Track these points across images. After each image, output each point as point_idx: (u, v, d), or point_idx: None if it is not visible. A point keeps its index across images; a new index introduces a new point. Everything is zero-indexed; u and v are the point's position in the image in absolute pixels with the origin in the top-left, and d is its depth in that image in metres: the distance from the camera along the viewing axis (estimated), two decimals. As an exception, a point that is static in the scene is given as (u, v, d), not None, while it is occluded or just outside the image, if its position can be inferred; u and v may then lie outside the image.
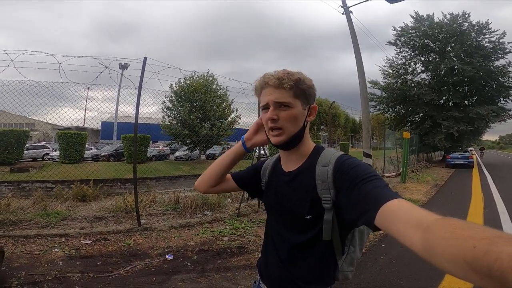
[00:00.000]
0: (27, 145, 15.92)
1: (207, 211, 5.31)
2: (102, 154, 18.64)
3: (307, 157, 0.89)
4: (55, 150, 18.28)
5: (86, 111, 14.13)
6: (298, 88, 0.83)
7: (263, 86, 0.86)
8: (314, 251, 0.86)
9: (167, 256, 3.25)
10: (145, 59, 4.33)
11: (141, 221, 4.31)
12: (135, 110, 4.39)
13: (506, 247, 0.34)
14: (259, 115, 0.95)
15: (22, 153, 15.03)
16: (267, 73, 0.86)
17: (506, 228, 4.47)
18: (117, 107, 17.99)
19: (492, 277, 0.34)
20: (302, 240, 0.85)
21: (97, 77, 4.22)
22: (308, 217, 0.82)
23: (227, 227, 4.39)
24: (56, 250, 3.32)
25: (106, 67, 4.17)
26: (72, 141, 15.42)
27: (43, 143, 21.88)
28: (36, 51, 4.28)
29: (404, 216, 0.54)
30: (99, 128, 31.11)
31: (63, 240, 3.66)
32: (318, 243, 0.84)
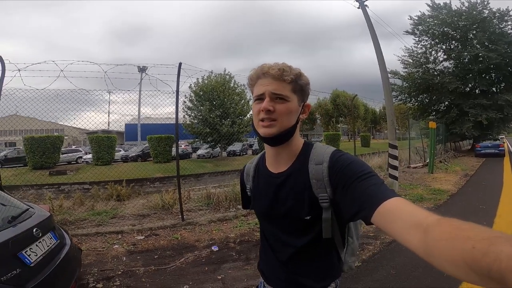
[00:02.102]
0: (61, 149, 17.07)
1: (239, 206, 5.64)
2: (130, 155, 19.62)
3: (297, 155, 0.85)
4: (87, 153, 19.48)
5: (108, 115, 14.85)
6: (297, 83, 0.80)
7: (259, 76, 0.81)
8: (317, 250, 0.85)
9: (213, 248, 3.61)
10: (180, 64, 4.69)
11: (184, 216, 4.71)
12: (174, 112, 4.76)
13: (505, 247, 0.34)
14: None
15: (59, 157, 16.13)
16: (265, 64, 0.81)
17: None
18: (139, 109, 18.87)
19: (491, 277, 0.34)
20: (304, 242, 0.83)
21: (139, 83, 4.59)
22: (307, 218, 0.80)
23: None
24: (116, 246, 3.76)
25: (146, 73, 4.55)
26: (103, 144, 16.36)
27: (73, 147, 23.31)
28: (83, 61, 4.74)
29: (403, 216, 0.54)
30: (123, 130, 32.47)
31: (120, 236, 4.12)
32: (320, 242, 0.82)
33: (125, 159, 19.34)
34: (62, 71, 4.37)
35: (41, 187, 11.76)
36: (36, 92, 4.99)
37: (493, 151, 16.03)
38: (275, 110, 0.78)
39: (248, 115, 19.49)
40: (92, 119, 16.57)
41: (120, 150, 20.92)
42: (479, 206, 5.35)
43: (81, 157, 19.48)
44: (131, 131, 31.96)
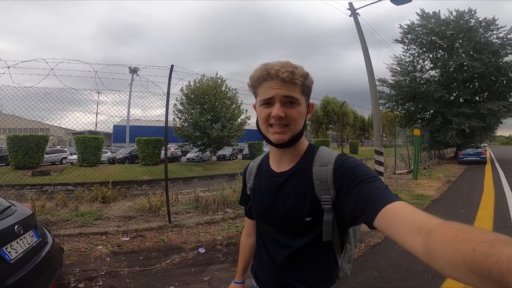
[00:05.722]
0: (46, 149, 16.59)
1: (228, 209, 5.63)
2: (117, 157, 19.25)
3: (301, 156, 0.84)
4: (72, 154, 18.99)
5: (96, 115, 14.59)
6: (305, 85, 0.78)
7: (265, 78, 0.76)
8: (315, 253, 0.83)
9: (199, 250, 3.59)
10: (172, 66, 4.69)
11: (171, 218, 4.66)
12: (164, 114, 4.74)
13: (505, 249, 0.34)
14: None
15: (43, 157, 15.66)
16: (269, 64, 0.77)
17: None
18: (128, 111, 18.61)
19: (492, 279, 0.34)
20: (302, 244, 0.82)
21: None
22: (308, 219, 0.79)
23: (249, 223, 4.70)
24: (100, 247, 3.69)
25: (138, 74, 4.52)
26: (90, 144, 16.01)
27: (58, 147, 22.70)
28: (74, 60, 4.66)
29: (406, 219, 0.54)
30: (111, 131, 31.92)
31: (104, 237, 4.04)
32: (318, 245, 0.81)
33: (112, 161, 18.96)
34: (52, 69, 4.30)
35: (23, 187, 11.38)
36: (22, 90, 4.87)
37: (475, 158, 16.56)
38: (286, 116, 0.75)
39: (239, 120, 19.50)
40: (79, 120, 16.25)
41: (107, 152, 20.50)
42: (460, 211, 5.53)
43: (66, 157, 18.98)
44: (119, 133, 31.46)
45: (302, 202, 0.79)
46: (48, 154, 17.46)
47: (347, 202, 0.70)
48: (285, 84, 0.74)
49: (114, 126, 29.14)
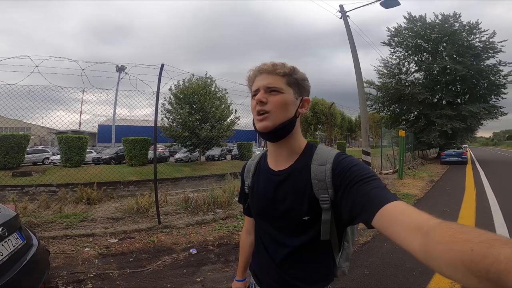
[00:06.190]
0: (27, 149, 15.98)
1: (218, 209, 5.59)
2: (103, 158, 18.76)
3: (299, 154, 0.84)
4: (55, 154, 18.36)
5: (80, 114, 14.18)
6: (292, 77, 0.81)
7: (256, 74, 0.83)
8: (313, 252, 0.84)
9: (191, 251, 3.55)
10: (162, 65, 4.61)
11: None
12: (151, 114, 4.66)
13: (503, 249, 0.34)
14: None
15: (24, 157, 15.09)
16: (262, 63, 0.84)
17: (496, 218, 4.85)
18: (114, 110, 18.19)
19: (489, 279, 0.34)
20: (300, 243, 0.82)
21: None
22: (306, 218, 0.79)
23: (240, 222, 4.68)
24: (87, 249, 3.58)
25: (126, 73, 4.43)
26: (74, 144, 15.53)
27: (40, 147, 21.90)
28: (60, 57, 4.51)
29: (404, 219, 0.54)
30: (95, 131, 31.10)
31: (91, 239, 3.92)
32: (316, 244, 0.82)
33: (97, 162, 18.45)
34: (37, 66, 4.13)
35: (3, 188, 10.93)
36: (4, 87, 4.66)
37: (457, 159, 17.14)
38: (268, 102, 0.78)
39: (228, 120, 19.42)
40: (62, 119, 15.65)
41: (92, 152, 19.94)
42: (444, 209, 5.71)
43: (48, 158, 18.32)
44: (104, 132, 30.70)
45: (300, 201, 0.79)
46: (29, 154, 16.84)
47: (346, 201, 0.70)
48: (269, 75, 0.80)
49: (99, 126, 28.43)
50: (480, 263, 0.35)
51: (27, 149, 16.02)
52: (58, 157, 16.62)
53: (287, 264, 0.86)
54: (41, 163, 17.78)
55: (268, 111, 0.78)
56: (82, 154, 16.15)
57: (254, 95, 0.82)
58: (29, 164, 16.65)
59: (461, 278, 0.38)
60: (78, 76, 4.68)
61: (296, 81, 0.82)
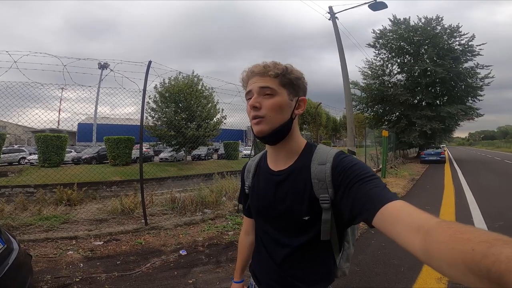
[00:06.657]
0: (3, 148, 15.18)
1: (206, 209, 5.53)
2: (83, 157, 18.10)
3: (299, 154, 0.84)
4: (31, 154, 17.53)
5: (58, 112, 13.62)
6: (285, 77, 0.80)
7: (249, 76, 0.82)
8: (314, 252, 0.83)
9: (181, 252, 3.48)
10: (150, 62, 4.49)
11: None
12: (135, 112, 4.54)
13: (504, 249, 0.34)
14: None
15: (-1, 157, 14.34)
16: (254, 64, 0.83)
17: (475, 214, 5.09)
18: (96, 108, 17.57)
19: (490, 279, 0.34)
20: (300, 243, 0.82)
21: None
22: (306, 218, 0.79)
23: (229, 222, 4.65)
24: (71, 252, 3.43)
25: (111, 69, 4.28)
26: (52, 144, 14.90)
27: (16, 146, 20.85)
28: (41, 53, 4.28)
29: (405, 219, 0.54)
30: (75, 129, 29.97)
31: (74, 242, 3.76)
32: (317, 244, 0.81)
33: (77, 161, 17.78)
34: (15, 62, 3.90)
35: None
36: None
37: (436, 158, 17.85)
38: (262, 107, 0.78)
39: (215, 119, 19.23)
40: (40, 117, 14.94)
41: (71, 151, 19.18)
42: (425, 207, 5.92)
43: (24, 157, 17.48)
44: (84, 131, 29.57)
45: (301, 201, 0.79)
46: (4, 154, 15.99)
47: (346, 200, 0.70)
48: (261, 77, 0.79)
49: (79, 124, 27.35)
50: (481, 262, 0.35)
51: (2, 149, 15.21)
52: (35, 156, 15.88)
53: (287, 265, 0.85)
54: (17, 163, 16.94)
55: (263, 116, 0.78)
56: (61, 154, 15.53)
57: (248, 98, 0.81)
58: (5, 164, 15.81)
59: (462, 278, 0.38)
60: (59, 72, 4.46)
61: (290, 81, 0.80)
